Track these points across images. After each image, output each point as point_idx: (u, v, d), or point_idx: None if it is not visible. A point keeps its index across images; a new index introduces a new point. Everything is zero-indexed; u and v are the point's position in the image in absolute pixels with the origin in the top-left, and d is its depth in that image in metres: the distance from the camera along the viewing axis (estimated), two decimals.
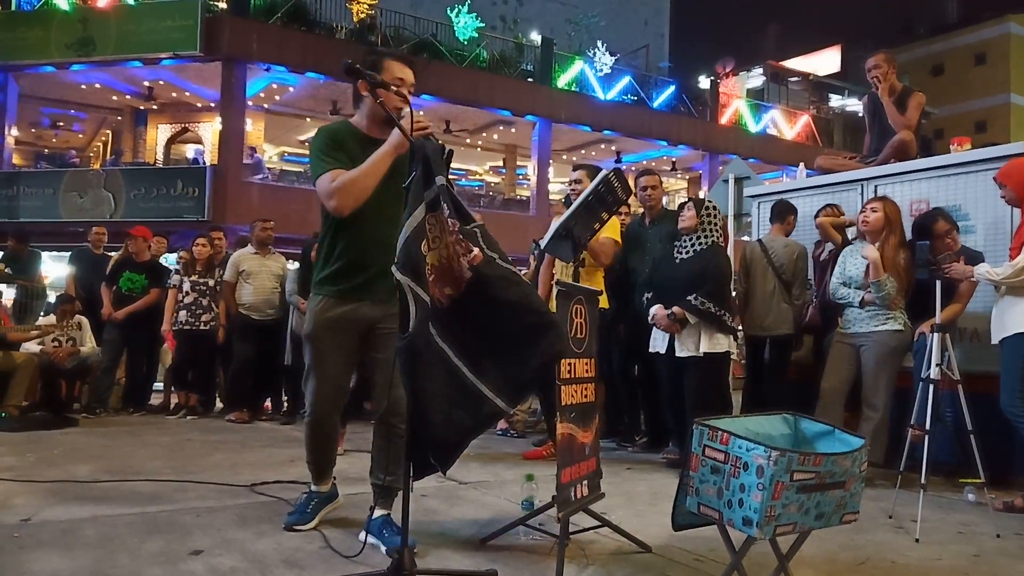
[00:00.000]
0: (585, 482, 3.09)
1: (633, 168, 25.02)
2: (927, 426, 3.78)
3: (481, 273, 2.52)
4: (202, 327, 7.24)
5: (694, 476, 2.46)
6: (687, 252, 4.91)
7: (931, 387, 3.83)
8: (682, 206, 5.11)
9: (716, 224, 4.91)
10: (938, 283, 3.99)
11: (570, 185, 5.39)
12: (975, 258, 4.42)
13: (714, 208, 4.96)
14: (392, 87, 2.78)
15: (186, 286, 7.28)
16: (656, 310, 4.87)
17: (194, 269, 7.34)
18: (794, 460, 2.25)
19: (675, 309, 4.76)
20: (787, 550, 2.57)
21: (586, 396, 3.13)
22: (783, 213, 5.75)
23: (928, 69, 39.22)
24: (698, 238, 4.89)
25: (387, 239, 2.62)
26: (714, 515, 2.40)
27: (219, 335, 7.34)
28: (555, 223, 3.36)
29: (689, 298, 4.72)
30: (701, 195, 21.13)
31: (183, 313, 7.23)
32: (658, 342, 4.98)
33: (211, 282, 7.34)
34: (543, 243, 3.44)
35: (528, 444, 5.70)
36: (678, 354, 4.82)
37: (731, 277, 5.08)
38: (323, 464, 3.27)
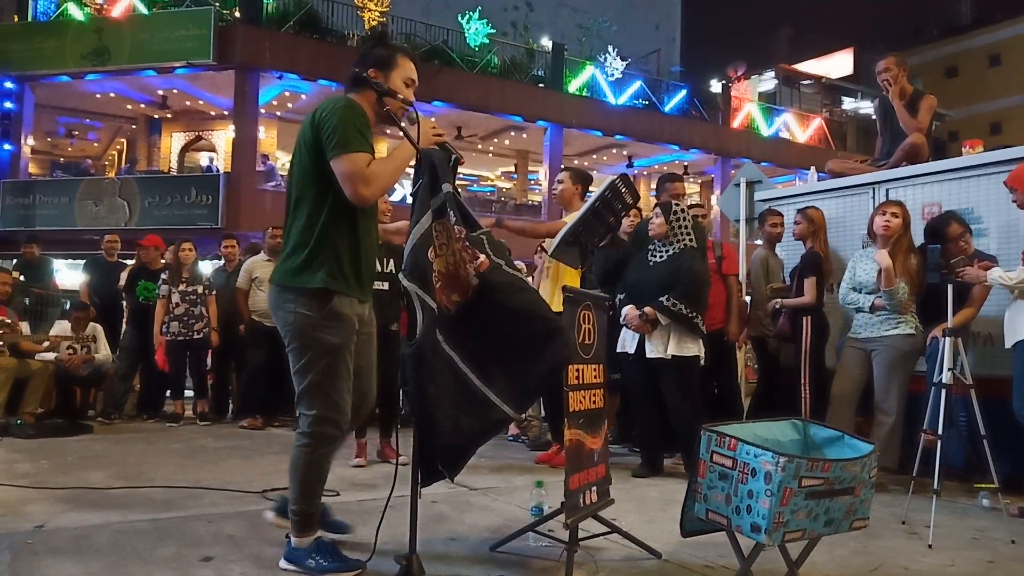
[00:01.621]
0: (594, 488, 3.08)
1: (646, 172, 25.02)
2: (940, 431, 3.75)
3: (487, 280, 2.52)
4: (196, 336, 7.23)
5: (702, 482, 2.46)
6: (660, 256, 4.91)
7: (943, 392, 3.80)
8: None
9: (686, 227, 4.89)
10: (950, 287, 3.96)
11: (553, 189, 5.45)
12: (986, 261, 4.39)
13: (682, 212, 4.93)
14: (399, 96, 2.78)
15: (175, 297, 7.21)
16: (628, 310, 4.87)
17: (180, 278, 7.28)
18: (802, 466, 2.25)
19: (646, 309, 4.75)
20: (797, 556, 2.56)
21: (594, 402, 3.12)
22: (762, 218, 6.09)
23: (942, 71, 38.98)
24: (671, 243, 4.88)
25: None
26: (722, 521, 2.40)
27: (212, 339, 7.31)
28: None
29: (661, 299, 4.72)
30: (713, 199, 21.15)
31: (175, 324, 7.16)
32: (627, 342, 4.96)
33: (200, 288, 7.32)
34: (550, 249, 3.44)
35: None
36: (648, 355, 4.80)
37: (707, 281, 5.02)
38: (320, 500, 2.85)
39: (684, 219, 4.91)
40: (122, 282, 7.82)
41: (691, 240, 4.90)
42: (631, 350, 4.93)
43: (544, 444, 5.75)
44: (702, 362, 4.91)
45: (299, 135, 2.80)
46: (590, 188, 5.39)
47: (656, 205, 5.10)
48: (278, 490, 4.07)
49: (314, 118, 2.73)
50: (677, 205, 4.97)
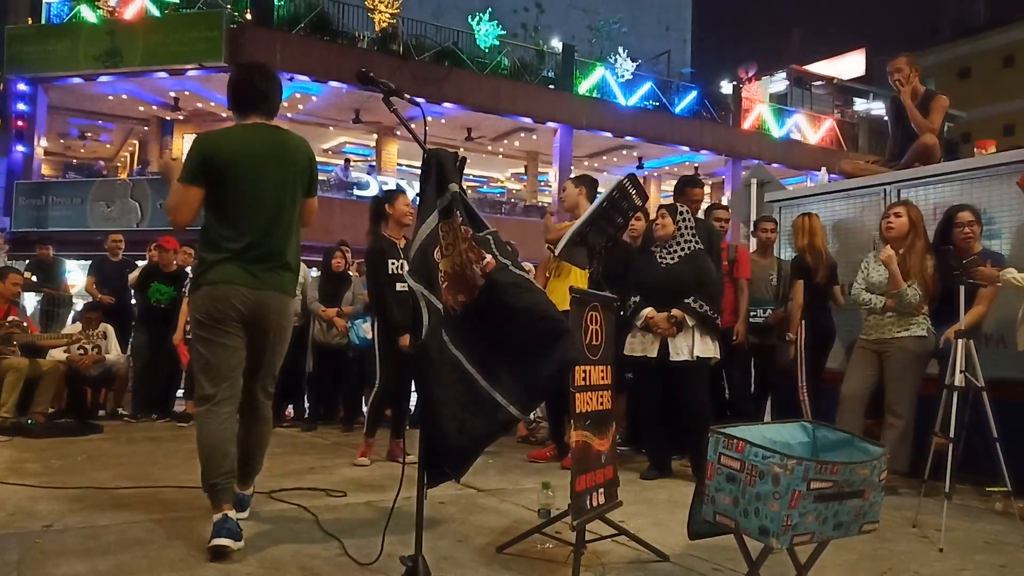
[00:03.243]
0: (601, 490, 3.07)
1: (656, 174, 24.94)
2: (951, 434, 3.71)
3: (494, 280, 2.51)
4: None
5: (710, 484, 2.44)
6: (672, 257, 4.85)
7: (955, 394, 3.76)
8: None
9: (691, 229, 4.90)
10: (962, 289, 3.92)
11: (560, 197, 5.45)
12: (996, 260, 4.35)
13: (688, 213, 4.95)
14: (406, 95, 2.78)
15: None
16: (650, 312, 4.80)
17: None
18: (811, 469, 2.22)
19: (675, 312, 4.72)
20: (806, 560, 2.54)
21: (602, 403, 3.11)
22: (755, 223, 6.39)
23: (955, 72, 38.73)
24: (679, 244, 4.85)
25: None
26: (730, 524, 2.37)
27: None
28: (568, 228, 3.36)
29: (687, 300, 4.70)
30: (724, 200, 21.08)
31: None
32: (647, 346, 4.86)
33: None
34: (557, 249, 3.43)
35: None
36: (673, 358, 4.75)
37: (722, 282, 5.10)
38: None
39: (689, 221, 4.92)
40: (132, 276, 7.82)
41: (697, 242, 4.89)
42: (652, 354, 4.82)
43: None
44: (714, 361, 4.89)
45: (296, 160, 3.34)
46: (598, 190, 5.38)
47: (660, 206, 5.09)
48: (286, 491, 4.08)
49: (311, 161, 3.41)
50: (682, 207, 4.99)
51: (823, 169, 7.03)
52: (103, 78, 16.99)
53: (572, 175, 5.54)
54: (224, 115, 19.23)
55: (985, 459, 3.80)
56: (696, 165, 23.81)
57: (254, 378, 3.30)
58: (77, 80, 17.17)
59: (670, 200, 5.78)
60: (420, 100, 2.85)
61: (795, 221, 5.54)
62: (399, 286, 5.08)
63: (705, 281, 4.78)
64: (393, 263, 5.16)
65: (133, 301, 8.07)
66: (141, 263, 8.31)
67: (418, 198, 2.68)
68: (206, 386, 3.13)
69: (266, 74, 3.42)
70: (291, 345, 6.95)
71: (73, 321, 8.24)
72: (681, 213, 4.91)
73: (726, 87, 25.38)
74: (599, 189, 5.42)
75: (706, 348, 4.78)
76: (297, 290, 7.17)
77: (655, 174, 24.91)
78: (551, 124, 20.35)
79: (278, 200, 3.20)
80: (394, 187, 16.14)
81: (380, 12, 18.81)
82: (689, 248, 4.86)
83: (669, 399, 4.89)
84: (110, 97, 18.45)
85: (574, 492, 2.79)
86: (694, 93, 23.15)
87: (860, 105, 30.08)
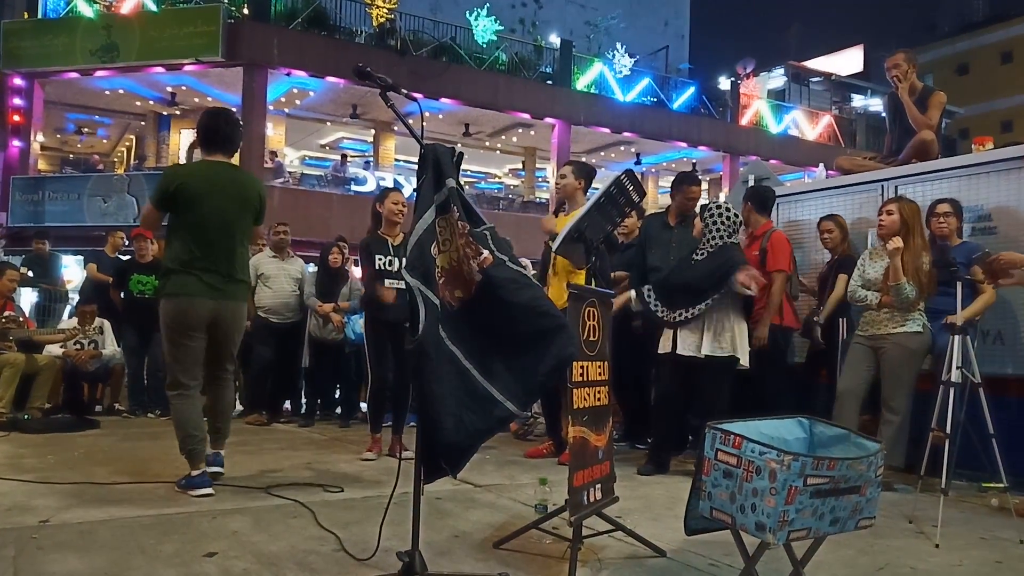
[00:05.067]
0: (598, 486, 3.07)
1: (654, 170, 24.93)
2: (948, 429, 3.71)
3: (491, 276, 2.51)
4: None
5: (706, 480, 2.44)
6: (701, 254, 4.82)
7: (951, 390, 3.76)
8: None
9: (720, 223, 4.78)
10: (959, 284, 3.92)
11: (556, 182, 5.40)
12: (974, 250, 4.36)
13: (716, 208, 4.82)
14: (403, 90, 2.77)
15: None
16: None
17: None
18: (808, 464, 2.22)
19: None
20: (802, 556, 2.54)
21: (599, 399, 3.11)
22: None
23: (953, 68, 38.72)
24: (707, 240, 4.80)
25: None
26: (727, 520, 2.37)
27: None
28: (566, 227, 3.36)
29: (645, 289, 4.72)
30: (721, 197, 21.08)
31: None
32: (664, 342, 4.86)
33: None
34: (555, 246, 3.42)
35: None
36: (680, 352, 4.71)
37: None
38: None
39: (720, 216, 4.79)
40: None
41: (726, 236, 4.77)
42: (667, 348, 4.80)
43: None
44: (744, 362, 4.75)
45: (249, 196, 4.10)
46: (594, 184, 5.35)
47: (702, 204, 5.03)
48: (283, 486, 4.08)
49: (260, 196, 4.17)
50: (714, 203, 4.90)
51: (821, 165, 7.02)
52: (100, 73, 16.96)
53: (568, 161, 5.43)
54: None
55: (982, 455, 3.81)
56: (694, 161, 23.79)
57: (217, 362, 4.14)
58: (73, 75, 17.14)
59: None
60: (417, 95, 2.83)
61: (840, 220, 5.47)
62: (387, 282, 5.13)
63: (722, 275, 4.66)
64: (380, 259, 5.20)
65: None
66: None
67: (415, 193, 2.68)
68: (180, 377, 3.99)
69: (231, 121, 4.21)
70: (288, 340, 7.16)
71: (69, 316, 8.20)
72: (709, 210, 4.83)
73: (724, 83, 25.34)
74: (596, 186, 5.40)
75: (718, 348, 4.68)
76: (295, 286, 7.23)
77: (652, 170, 24.90)
78: (549, 120, 20.33)
79: (231, 225, 3.98)
80: (391, 184, 16.14)
81: (378, 7, 18.78)
82: (716, 242, 4.78)
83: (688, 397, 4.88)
84: (107, 92, 18.41)
85: (571, 488, 2.79)
86: (692, 89, 23.13)
87: (858, 101, 30.10)
